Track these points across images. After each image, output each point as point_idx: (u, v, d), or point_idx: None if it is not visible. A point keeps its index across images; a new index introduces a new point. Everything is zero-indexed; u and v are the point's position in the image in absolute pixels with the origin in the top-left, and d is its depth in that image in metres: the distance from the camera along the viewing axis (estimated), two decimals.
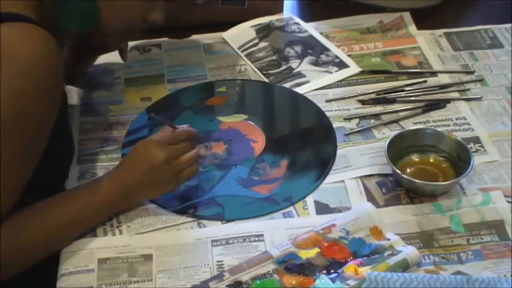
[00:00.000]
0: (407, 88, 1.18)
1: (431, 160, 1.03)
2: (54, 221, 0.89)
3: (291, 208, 0.98)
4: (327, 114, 1.13)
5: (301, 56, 1.26)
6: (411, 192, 0.99)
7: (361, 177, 1.02)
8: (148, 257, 0.92)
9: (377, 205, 0.97)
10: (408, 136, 1.03)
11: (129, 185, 0.93)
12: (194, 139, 0.99)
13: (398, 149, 1.01)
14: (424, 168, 1.02)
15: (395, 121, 1.11)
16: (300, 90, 1.18)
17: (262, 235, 0.94)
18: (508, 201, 0.97)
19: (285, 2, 1.36)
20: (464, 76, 1.20)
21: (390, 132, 1.09)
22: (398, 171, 0.97)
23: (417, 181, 0.96)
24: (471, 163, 0.96)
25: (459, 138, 1.01)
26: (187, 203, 0.99)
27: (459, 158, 1.00)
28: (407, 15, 1.35)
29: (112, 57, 1.27)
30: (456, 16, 1.35)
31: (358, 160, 1.04)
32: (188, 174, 0.97)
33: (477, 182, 1.00)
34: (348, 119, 1.12)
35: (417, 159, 1.03)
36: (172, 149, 0.95)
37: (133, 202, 0.97)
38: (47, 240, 0.89)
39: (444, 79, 1.20)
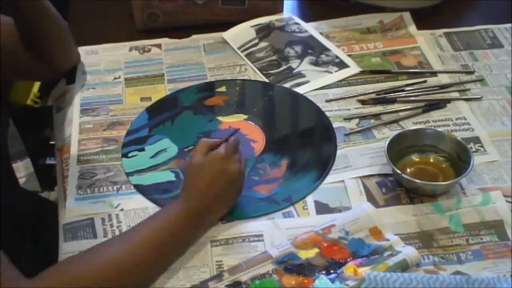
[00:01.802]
0: (407, 88, 1.18)
1: (431, 160, 1.03)
2: (127, 250, 0.85)
3: (291, 208, 0.98)
4: (327, 114, 1.13)
5: (301, 56, 1.26)
6: (411, 192, 0.99)
7: (361, 177, 1.02)
8: None
9: (377, 205, 0.97)
10: (408, 136, 1.03)
11: (208, 205, 0.91)
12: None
13: (398, 149, 1.01)
14: (424, 168, 1.02)
15: (395, 121, 1.11)
16: (300, 90, 1.19)
17: (261, 235, 0.94)
18: (507, 201, 0.97)
19: (285, 2, 1.36)
20: (464, 76, 1.20)
21: (390, 132, 1.09)
22: (398, 171, 0.97)
23: (417, 181, 0.96)
24: (471, 163, 0.96)
25: (459, 138, 1.01)
26: None
27: (459, 158, 1.00)
28: (407, 15, 1.34)
29: (112, 56, 1.28)
30: (456, 16, 1.35)
31: (358, 160, 1.04)
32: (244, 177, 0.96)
33: (477, 182, 1.00)
34: (348, 119, 1.12)
35: (417, 159, 1.03)
36: (238, 159, 0.94)
37: (214, 220, 0.94)
38: (121, 272, 0.84)
39: (444, 79, 1.20)
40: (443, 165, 1.02)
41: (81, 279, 0.81)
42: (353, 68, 1.23)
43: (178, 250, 0.90)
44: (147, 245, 0.86)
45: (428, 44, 1.28)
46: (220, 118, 1.14)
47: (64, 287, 0.79)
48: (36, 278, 0.80)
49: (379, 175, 1.02)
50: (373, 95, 1.17)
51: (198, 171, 0.92)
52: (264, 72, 1.23)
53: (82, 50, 1.29)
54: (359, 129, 1.10)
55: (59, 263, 0.87)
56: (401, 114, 1.13)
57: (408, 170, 1.01)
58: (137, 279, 0.86)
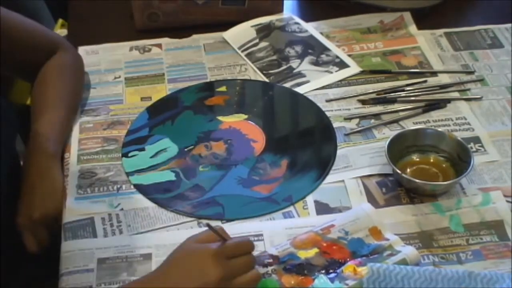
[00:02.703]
0: (407, 88, 1.18)
1: (431, 160, 1.03)
2: None
3: (291, 208, 0.98)
4: (327, 114, 1.13)
5: (301, 56, 1.26)
6: (411, 192, 0.99)
7: (361, 177, 1.02)
8: (147, 257, 0.92)
9: (377, 205, 0.97)
10: (409, 136, 1.03)
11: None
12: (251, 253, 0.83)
13: (398, 149, 1.01)
14: (424, 168, 1.02)
15: (395, 121, 1.11)
16: (300, 90, 1.19)
17: (261, 235, 0.94)
18: (508, 201, 0.97)
19: (285, 2, 1.36)
20: (464, 76, 1.20)
21: (390, 132, 1.09)
22: (398, 171, 0.97)
23: (417, 180, 0.96)
24: (471, 163, 0.96)
25: (459, 138, 1.01)
26: (187, 203, 0.99)
27: (459, 158, 1.00)
28: (407, 15, 1.34)
29: (112, 56, 1.28)
30: (456, 16, 1.35)
31: (358, 160, 1.04)
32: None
33: (477, 182, 1.00)
34: (348, 119, 1.12)
35: (417, 159, 1.03)
36: (231, 267, 0.79)
37: None
38: None
39: (444, 79, 1.20)
40: (444, 165, 1.02)
41: None
42: (353, 68, 1.23)
43: None
44: None
45: (428, 44, 1.28)
46: (220, 118, 1.14)
47: None
48: None
49: (379, 175, 1.02)
50: (373, 95, 1.17)
51: (181, 254, 0.81)
52: (264, 72, 1.23)
53: (82, 50, 1.29)
54: (359, 129, 1.10)
55: None
56: (401, 114, 1.13)
57: (409, 170, 1.01)
58: None
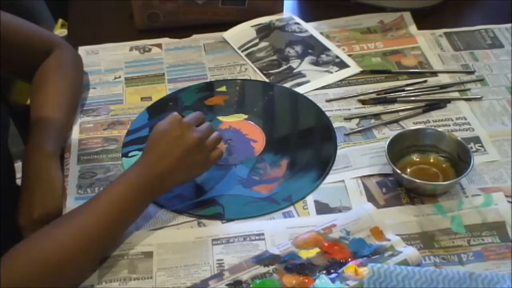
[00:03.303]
0: (408, 88, 1.18)
1: (431, 160, 1.03)
2: (93, 218, 0.88)
3: (291, 208, 0.98)
4: (327, 114, 1.13)
5: (301, 56, 1.26)
6: (411, 192, 0.99)
7: (361, 177, 1.02)
8: (148, 255, 0.92)
9: (377, 205, 0.97)
10: (409, 136, 1.03)
11: (164, 170, 0.92)
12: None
13: (398, 149, 1.01)
14: (425, 168, 1.02)
15: (396, 121, 1.11)
16: (300, 90, 1.18)
17: (262, 234, 0.94)
18: (508, 201, 0.97)
19: (285, 2, 1.36)
20: (465, 76, 1.20)
21: (390, 132, 1.09)
22: (398, 171, 0.97)
23: (417, 181, 0.96)
24: (471, 163, 0.96)
25: (459, 138, 1.01)
26: (187, 203, 0.99)
27: (459, 158, 1.00)
28: (407, 15, 1.35)
29: (112, 56, 1.28)
30: (456, 16, 1.35)
31: (358, 160, 1.04)
32: (217, 155, 0.97)
33: (477, 182, 1.00)
34: (348, 118, 1.12)
35: (417, 159, 1.03)
36: (202, 130, 0.95)
37: (168, 188, 0.94)
38: (91, 239, 0.87)
39: (444, 79, 1.20)
40: (444, 165, 1.02)
41: (56, 248, 0.84)
42: (354, 68, 1.23)
43: (133, 215, 0.92)
44: (109, 213, 0.88)
45: (428, 44, 1.28)
46: (220, 117, 1.14)
47: (34, 263, 0.82)
48: (4, 257, 0.82)
49: (379, 175, 1.02)
50: (374, 95, 1.17)
51: (158, 136, 0.94)
52: (264, 72, 1.23)
53: (82, 50, 1.29)
54: (359, 129, 1.10)
55: (28, 239, 0.87)
56: (401, 114, 1.13)
57: (409, 170, 1.01)
58: (104, 244, 0.90)
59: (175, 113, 0.96)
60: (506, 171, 1.02)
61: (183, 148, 0.92)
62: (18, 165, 1.07)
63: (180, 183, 0.95)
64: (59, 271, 0.84)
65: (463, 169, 0.97)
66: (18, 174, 1.12)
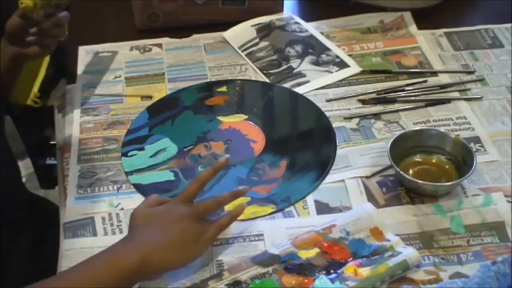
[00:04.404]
0: (408, 88, 1.18)
1: (434, 161, 1.03)
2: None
3: (291, 208, 0.98)
4: (327, 113, 1.13)
5: (301, 56, 1.26)
6: (411, 192, 0.99)
7: (361, 176, 1.02)
8: None
9: (377, 205, 0.97)
10: (412, 137, 1.03)
11: (148, 249, 0.81)
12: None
13: (401, 149, 1.01)
14: (427, 169, 1.02)
15: (396, 121, 1.11)
16: (300, 89, 1.18)
17: (262, 235, 0.94)
18: (508, 201, 0.97)
19: (285, 1, 1.36)
20: (465, 76, 1.20)
21: (390, 132, 1.09)
22: (398, 169, 0.97)
23: (419, 181, 0.96)
24: (474, 166, 0.96)
25: (465, 142, 1.00)
26: None
27: (464, 161, 0.99)
28: (407, 15, 1.34)
29: (113, 56, 1.28)
30: (456, 16, 1.35)
31: (358, 160, 1.04)
32: (216, 229, 0.87)
33: (478, 182, 1.00)
34: (348, 118, 1.12)
35: (420, 159, 1.03)
36: (198, 206, 0.87)
37: (154, 269, 0.82)
38: None
39: (444, 79, 1.20)
40: (446, 166, 1.01)
41: None
42: (354, 68, 1.23)
43: None
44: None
45: (428, 44, 1.28)
46: (220, 118, 1.14)
47: None
48: None
49: (380, 175, 1.02)
50: (374, 95, 1.17)
51: (145, 220, 0.85)
52: (264, 71, 1.23)
53: (82, 49, 1.29)
54: (360, 128, 1.10)
55: None
56: (402, 114, 1.13)
57: (411, 170, 1.01)
58: None
59: (155, 196, 0.89)
60: (506, 171, 1.02)
61: (171, 224, 0.83)
62: (19, 165, 1.07)
63: (171, 266, 0.84)
64: None
65: (466, 171, 0.97)
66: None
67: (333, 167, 1.04)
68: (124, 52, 1.29)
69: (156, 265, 0.82)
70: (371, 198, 0.98)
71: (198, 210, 0.87)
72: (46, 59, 1.13)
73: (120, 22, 1.37)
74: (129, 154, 1.07)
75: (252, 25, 1.33)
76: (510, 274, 0.82)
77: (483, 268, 0.83)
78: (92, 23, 1.37)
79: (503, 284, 0.82)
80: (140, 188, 1.02)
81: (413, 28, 1.32)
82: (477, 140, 1.07)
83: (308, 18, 1.35)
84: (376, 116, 1.12)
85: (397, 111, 1.13)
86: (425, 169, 1.02)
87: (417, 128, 1.08)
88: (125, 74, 1.23)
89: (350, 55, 1.26)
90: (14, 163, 1.10)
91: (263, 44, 1.29)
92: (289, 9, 1.38)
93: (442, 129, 1.05)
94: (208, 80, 1.22)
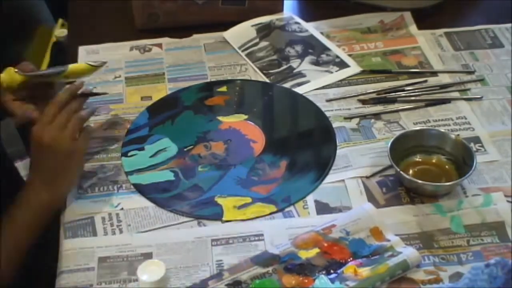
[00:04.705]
0: (408, 88, 1.18)
1: (434, 161, 1.03)
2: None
3: (291, 208, 0.98)
4: (327, 113, 1.13)
5: (301, 56, 1.26)
6: (411, 192, 0.99)
7: (361, 176, 1.02)
8: (148, 256, 0.92)
9: (377, 205, 0.97)
10: (412, 137, 1.03)
11: (36, 178, 0.94)
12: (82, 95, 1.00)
13: (401, 149, 1.01)
14: (427, 169, 1.02)
15: (396, 121, 1.11)
16: (300, 89, 1.18)
17: (262, 235, 0.94)
18: (508, 201, 0.97)
19: (285, 1, 1.36)
20: (465, 76, 1.20)
21: (390, 132, 1.09)
22: (398, 169, 0.97)
23: (419, 181, 0.96)
24: (474, 166, 0.96)
25: (465, 142, 1.00)
26: (186, 203, 0.99)
27: (464, 162, 0.99)
28: (407, 15, 1.34)
29: (113, 56, 1.28)
30: (456, 16, 1.35)
31: (358, 160, 1.04)
32: (84, 138, 0.97)
33: (478, 182, 1.00)
34: (348, 118, 1.12)
35: (420, 159, 1.03)
36: (55, 125, 0.93)
37: (54, 192, 0.95)
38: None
39: (444, 78, 1.20)
40: (447, 166, 1.01)
41: None
42: (354, 68, 1.23)
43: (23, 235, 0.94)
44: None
45: (428, 44, 1.28)
46: (220, 118, 1.14)
47: None
48: None
49: (380, 174, 1.02)
50: (374, 95, 1.17)
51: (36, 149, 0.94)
52: (264, 71, 1.23)
53: (82, 49, 1.29)
54: (360, 128, 1.10)
55: None
56: (402, 114, 1.13)
57: (411, 170, 1.01)
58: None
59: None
60: (506, 171, 1.02)
61: (38, 151, 0.93)
62: (17, 165, 1.07)
63: (65, 186, 0.98)
64: None
65: (466, 171, 0.97)
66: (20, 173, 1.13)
67: (333, 167, 1.04)
68: (124, 52, 1.29)
69: (56, 189, 0.95)
70: (371, 198, 0.98)
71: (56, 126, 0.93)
72: (46, 59, 1.13)
73: (120, 22, 1.36)
74: (129, 154, 1.07)
75: (252, 25, 1.33)
76: (502, 276, 0.82)
77: (474, 270, 0.83)
78: (92, 23, 1.37)
79: (494, 286, 0.82)
80: (140, 188, 1.02)
81: (413, 28, 1.32)
82: (477, 140, 1.07)
83: (308, 18, 1.35)
84: (376, 116, 1.12)
85: (397, 111, 1.13)
86: (425, 169, 1.02)
87: (417, 128, 1.08)
88: (125, 74, 1.23)
89: (350, 55, 1.26)
90: (11, 165, 1.10)
91: (263, 44, 1.29)
92: (289, 9, 1.38)
93: (442, 129, 1.05)
94: (208, 80, 1.22)
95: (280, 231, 0.94)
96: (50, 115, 0.94)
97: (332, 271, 0.87)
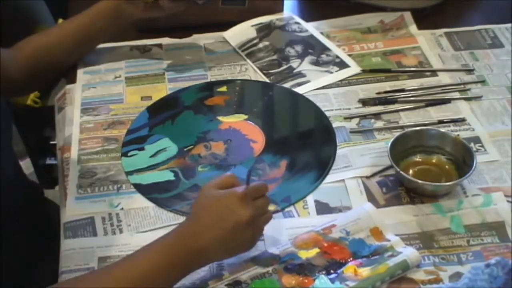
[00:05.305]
0: (408, 88, 1.18)
1: (434, 161, 1.03)
2: (111, 281, 0.79)
3: (291, 207, 0.98)
4: (327, 114, 1.13)
5: (301, 56, 1.26)
6: (411, 192, 0.99)
7: (361, 176, 1.02)
8: None
9: (377, 205, 0.97)
10: (412, 137, 1.03)
11: (203, 246, 0.81)
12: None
13: (401, 149, 1.01)
14: (427, 169, 1.02)
15: (396, 121, 1.11)
16: (300, 89, 1.18)
17: (262, 235, 0.93)
18: (508, 201, 0.97)
19: (285, 1, 1.36)
20: (465, 76, 1.20)
21: (390, 132, 1.09)
22: (398, 169, 0.97)
23: (419, 181, 0.96)
24: (474, 166, 0.96)
25: (465, 142, 1.00)
26: (186, 203, 0.99)
27: (464, 162, 0.99)
28: (407, 15, 1.34)
29: (113, 56, 1.28)
30: (456, 16, 1.35)
31: (358, 160, 1.04)
32: (260, 231, 0.87)
33: (478, 182, 1.00)
34: (348, 118, 1.12)
35: (420, 159, 1.03)
36: (256, 206, 0.84)
37: (203, 265, 0.85)
38: None
39: (444, 79, 1.20)
40: (447, 166, 1.01)
41: None
42: (354, 68, 1.23)
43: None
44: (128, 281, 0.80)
45: (428, 44, 1.28)
46: (220, 118, 1.14)
47: None
48: None
49: (380, 175, 1.02)
50: (374, 95, 1.17)
51: (205, 206, 0.84)
52: (264, 71, 1.23)
53: None
54: (360, 129, 1.10)
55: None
56: (402, 114, 1.13)
57: (411, 170, 1.01)
58: None
59: (229, 174, 0.88)
60: (506, 171, 1.02)
61: (233, 223, 0.81)
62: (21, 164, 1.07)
63: (219, 260, 0.87)
64: None
65: (466, 171, 0.97)
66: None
67: (333, 167, 1.04)
68: (124, 52, 1.29)
69: (205, 262, 0.85)
70: (371, 198, 0.98)
71: (256, 212, 0.84)
72: None
73: None
74: (129, 154, 1.07)
75: (252, 25, 1.33)
76: (502, 276, 0.82)
77: (474, 270, 0.83)
78: None
79: (494, 285, 0.82)
80: (140, 188, 1.02)
81: (413, 28, 1.32)
82: (477, 140, 1.07)
83: (308, 18, 1.35)
84: (376, 116, 1.12)
85: (397, 111, 1.13)
86: (425, 169, 1.02)
87: (417, 128, 1.08)
88: (125, 74, 1.23)
89: (350, 55, 1.26)
90: (16, 163, 1.10)
91: (263, 44, 1.29)
92: (289, 9, 1.38)
93: (442, 129, 1.05)
94: (208, 80, 1.22)
95: (280, 231, 0.94)
96: (252, 192, 0.84)
97: (332, 271, 0.87)
